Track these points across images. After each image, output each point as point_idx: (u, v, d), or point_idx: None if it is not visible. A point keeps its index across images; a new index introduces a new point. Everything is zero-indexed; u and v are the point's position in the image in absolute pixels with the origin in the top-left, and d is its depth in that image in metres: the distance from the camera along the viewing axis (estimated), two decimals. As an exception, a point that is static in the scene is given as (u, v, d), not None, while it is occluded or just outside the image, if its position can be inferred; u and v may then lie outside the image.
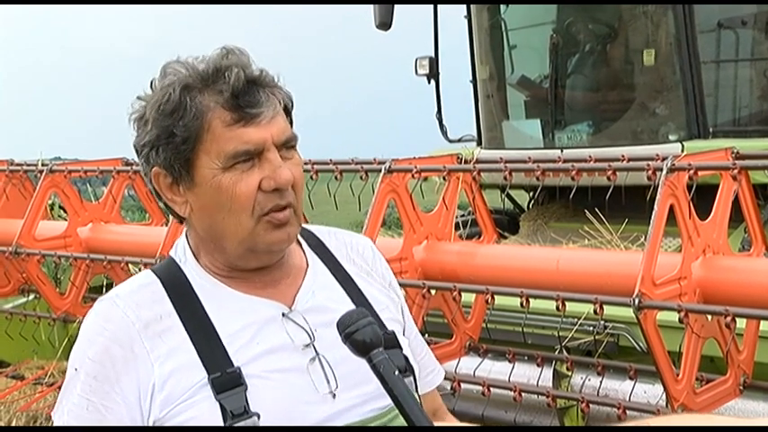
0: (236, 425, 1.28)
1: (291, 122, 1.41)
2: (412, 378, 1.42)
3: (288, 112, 1.40)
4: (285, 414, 1.32)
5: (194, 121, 1.31)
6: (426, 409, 1.29)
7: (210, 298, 1.37)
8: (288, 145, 1.37)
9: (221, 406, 1.29)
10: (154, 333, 1.32)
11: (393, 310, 1.50)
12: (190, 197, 1.37)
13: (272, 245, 1.37)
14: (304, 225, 1.46)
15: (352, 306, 1.40)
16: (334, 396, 1.36)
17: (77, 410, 1.32)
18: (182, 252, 1.42)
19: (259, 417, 1.29)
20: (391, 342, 1.40)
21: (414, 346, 1.51)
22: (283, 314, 1.38)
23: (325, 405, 1.35)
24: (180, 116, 1.32)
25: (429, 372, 1.57)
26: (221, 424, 1.29)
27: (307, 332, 1.38)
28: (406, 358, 1.42)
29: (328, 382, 1.36)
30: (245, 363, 1.32)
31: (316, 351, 1.37)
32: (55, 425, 1.35)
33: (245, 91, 1.32)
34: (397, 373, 1.23)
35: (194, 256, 1.41)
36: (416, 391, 1.38)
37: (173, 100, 1.32)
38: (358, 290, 1.47)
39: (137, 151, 1.39)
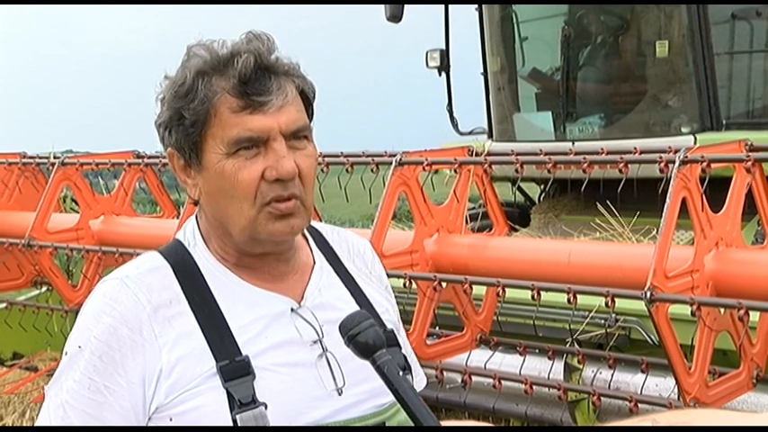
0: (242, 413, 1.28)
1: (312, 112, 1.39)
2: (410, 376, 1.42)
3: (308, 101, 1.38)
4: (291, 406, 1.32)
5: (202, 105, 1.32)
6: None
7: (220, 286, 1.37)
8: (298, 135, 1.35)
9: (229, 394, 1.28)
10: (163, 318, 1.31)
11: (392, 313, 1.51)
12: (199, 180, 1.37)
13: (273, 235, 1.35)
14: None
15: (355, 306, 1.41)
16: (340, 393, 1.36)
17: (78, 388, 1.29)
18: (191, 235, 1.41)
19: (266, 407, 1.29)
20: (391, 340, 1.40)
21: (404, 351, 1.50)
22: (292, 309, 1.39)
23: (330, 401, 1.35)
24: (191, 99, 1.32)
25: (414, 376, 1.55)
26: (227, 413, 1.28)
27: (315, 329, 1.38)
28: (405, 357, 1.42)
29: (335, 379, 1.36)
30: (253, 355, 1.32)
31: (324, 348, 1.37)
32: (47, 401, 1.32)
33: (254, 78, 1.31)
34: (401, 372, 1.23)
35: (204, 241, 1.40)
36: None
37: (187, 83, 1.33)
38: (360, 290, 1.47)
39: (156, 130, 1.40)
